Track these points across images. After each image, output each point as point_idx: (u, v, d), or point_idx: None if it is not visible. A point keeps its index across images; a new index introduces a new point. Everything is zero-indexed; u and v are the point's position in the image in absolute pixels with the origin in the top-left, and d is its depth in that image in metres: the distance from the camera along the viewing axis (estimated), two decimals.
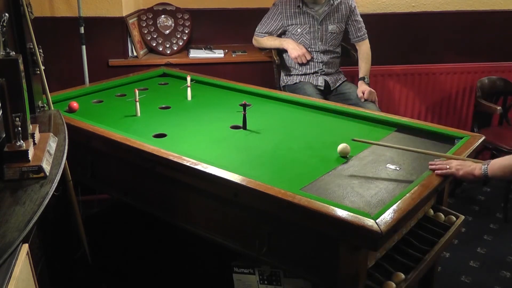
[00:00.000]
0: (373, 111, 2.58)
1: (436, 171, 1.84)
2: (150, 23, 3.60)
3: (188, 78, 2.76)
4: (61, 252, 2.42)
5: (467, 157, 1.98)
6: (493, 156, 3.44)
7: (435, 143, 2.20)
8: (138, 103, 2.47)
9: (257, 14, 3.40)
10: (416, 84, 3.80)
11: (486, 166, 1.81)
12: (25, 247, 1.44)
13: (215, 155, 2.04)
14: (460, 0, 3.74)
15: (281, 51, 3.34)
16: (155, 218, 2.20)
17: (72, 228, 2.49)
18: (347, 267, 1.58)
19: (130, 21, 3.47)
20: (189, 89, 2.75)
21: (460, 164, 1.84)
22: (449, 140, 2.20)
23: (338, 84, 3.33)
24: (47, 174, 1.47)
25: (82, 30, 3.24)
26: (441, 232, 1.93)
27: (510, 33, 3.86)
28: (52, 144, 1.67)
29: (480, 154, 3.44)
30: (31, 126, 1.62)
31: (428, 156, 2.03)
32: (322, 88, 3.27)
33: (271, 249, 1.75)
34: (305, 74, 3.28)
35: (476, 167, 1.82)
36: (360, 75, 3.28)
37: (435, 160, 1.91)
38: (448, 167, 1.83)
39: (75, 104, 2.53)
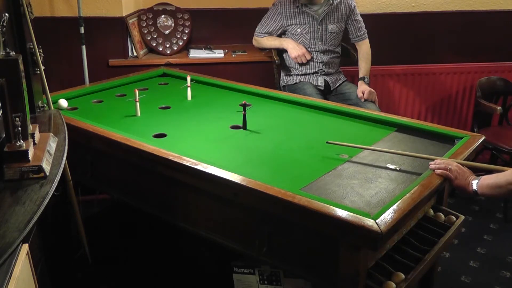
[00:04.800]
0: (373, 111, 2.58)
1: (436, 170, 1.84)
2: (150, 23, 3.60)
3: (188, 78, 2.76)
4: (61, 252, 2.42)
5: (467, 157, 1.98)
6: (493, 156, 3.45)
7: (435, 143, 2.20)
8: (138, 103, 2.47)
9: (257, 14, 3.40)
10: (416, 84, 3.80)
11: (477, 182, 1.80)
12: (25, 247, 1.44)
13: (215, 155, 2.04)
14: (460, 0, 3.74)
15: (281, 51, 3.34)
16: (155, 218, 2.20)
17: (72, 228, 2.49)
18: (347, 267, 1.58)
19: (130, 21, 3.47)
20: (189, 89, 2.75)
21: (459, 173, 1.83)
22: (449, 140, 2.20)
23: (338, 84, 3.33)
24: (47, 174, 1.47)
25: (82, 30, 3.24)
26: (441, 232, 1.93)
27: (510, 33, 3.86)
28: (52, 144, 1.67)
29: (480, 154, 3.44)
30: (31, 126, 1.62)
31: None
32: (322, 88, 3.27)
33: (271, 249, 1.75)
34: (305, 74, 3.28)
35: (470, 183, 1.82)
36: (360, 75, 3.28)
37: (436, 159, 1.91)
38: (449, 168, 1.83)
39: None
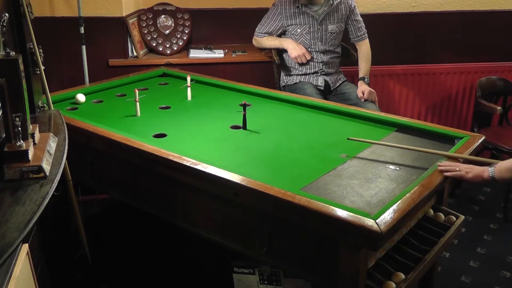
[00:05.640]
0: (373, 111, 2.58)
1: (445, 173, 1.84)
2: (150, 23, 3.60)
3: (188, 78, 2.76)
4: (61, 252, 2.42)
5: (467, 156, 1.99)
6: (493, 156, 3.45)
7: (435, 143, 2.20)
8: (138, 103, 2.48)
9: (257, 14, 3.40)
10: (416, 84, 3.80)
11: (493, 168, 1.82)
12: (25, 247, 1.44)
13: (215, 155, 2.04)
14: (460, 0, 3.74)
15: (281, 51, 3.34)
16: (155, 218, 2.20)
17: (72, 228, 2.49)
18: (347, 267, 1.58)
19: (130, 21, 3.47)
20: (189, 89, 2.75)
21: (470, 167, 1.86)
22: (449, 140, 2.20)
23: (338, 84, 3.33)
24: (47, 174, 1.47)
25: (82, 30, 3.24)
26: (441, 232, 1.93)
27: (510, 33, 3.86)
28: (52, 144, 1.67)
29: (480, 154, 3.44)
30: (31, 126, 1.62)
31: (428, 156, 2.04)
32: (322, 88, 3.27)
33: (271, 249, 1.75)
34: (305, 74, 3.28)
35: (485, 170, 1.83)
36: (360, 75, 3.28)
37: (444, 161, 1.91)
38: (457, 169, 1.84)
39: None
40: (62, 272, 2.34)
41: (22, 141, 1.48)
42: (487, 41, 3.85)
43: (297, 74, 3.29)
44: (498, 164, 1.83)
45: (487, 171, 1.82)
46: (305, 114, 2.59)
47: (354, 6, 3.28)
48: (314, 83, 3.26)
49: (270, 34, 3.32)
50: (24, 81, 1.57)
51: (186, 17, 3.66)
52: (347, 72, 3.49)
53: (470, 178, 1.85)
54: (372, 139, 2.20)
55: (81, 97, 2.64)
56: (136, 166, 2.15)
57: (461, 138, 2.16)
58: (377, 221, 1.49)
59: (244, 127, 2.33)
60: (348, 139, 2.16)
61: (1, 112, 1.51)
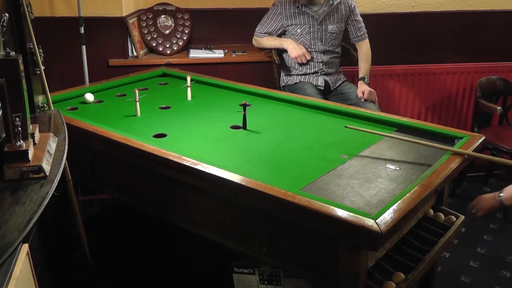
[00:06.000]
0: (373, 111, 2.58)
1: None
2: (150, 23, 3.60)
3: (188, 78, 2.76)
4: (61, 252, 2.42)
5: (467, 157, 1.99)
6: (493, 156, 3.45)
7: (435, 143, 2.20)
8: (138, 103, 2.48)
9: (257, 14, 3.40)
10: (416, 84, 3.80)
11: (501, 196, 1.88)
12: (25, 247, 1.44)
13: (215, 155, 2.04)
14: (460, 0, 3.74)
15: (281, 51, 3.34)
16: (155, 218, 2.20)
17: (72, 228, 2.49)
18: (347, 267, 1.58)
19: (130, 21, 3.47)
20: (189, 89, 2.75)
21: (477, 204, 1.95)
22: (449, 140, 2.19)
23: (338, 84, 3.33)
24: (47, 174, 1.47)
25: (82, 30, 3.24)
26: (441, 232, 1.93)
27: (510, 33, 3.86)
28: (52, 144, 1.66)
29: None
30: (31, 126, 1.62)
31: (428, 156, 2.04)
32: (322, 88, 3.27)
33: (271, 249, 1.75)
34: (305, 74, 3.28)
35: (493, 203, 1.94)
36: (360, 75, 3.28)
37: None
38: (473, 211, 1.98)
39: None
40: (62, 272, 2.34)
41: (22, 141, 1.48)
42: (487, 41, 3.85)
43: (297, 74, 3.29)
44: (505, 190, 1.91)
45: (496, 201, 1.93)
46: (305, 114, 2.59)
47: (354, 6, 3.28)
48: (314, 83, 3.26)
49: (270, 34, 3.32)
50: (24, 81, 1.57)
51: (186, 17, 3.66)
52: (347, 72, 3.49)
53: (484, 214, 1.99)
54: (372, 139, 2.21)
55: (89, 97, 2.64)
56: (136, 166, 2.15)
57: (461, 138, 2.16)
58: (377, 221, 1.49)
59: (244, 127, 2.33)
60: (345, 127, 2.24)
61: (1, 112, 1.51)
